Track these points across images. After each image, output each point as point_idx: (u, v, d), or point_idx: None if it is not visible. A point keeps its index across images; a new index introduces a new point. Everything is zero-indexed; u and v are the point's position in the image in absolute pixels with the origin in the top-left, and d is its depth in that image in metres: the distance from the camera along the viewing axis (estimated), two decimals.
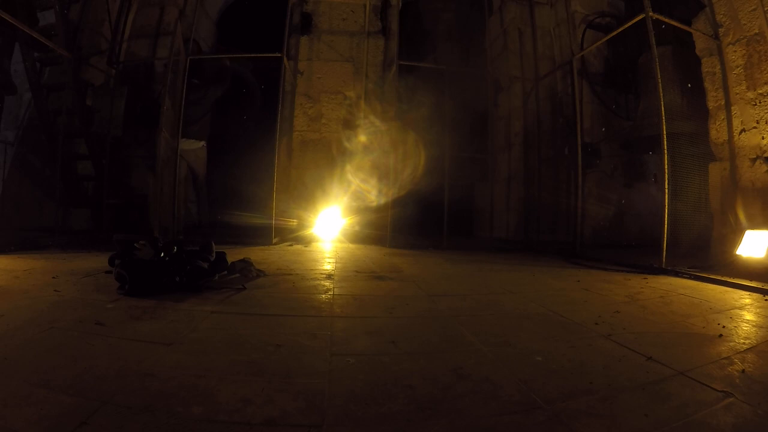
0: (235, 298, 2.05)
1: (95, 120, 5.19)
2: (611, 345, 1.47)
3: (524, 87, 6.18)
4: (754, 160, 3.47)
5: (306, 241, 5.18)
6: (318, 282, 2.54)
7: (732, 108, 3.64)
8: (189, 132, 5.67)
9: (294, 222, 5.56)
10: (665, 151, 3.57)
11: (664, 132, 3.58)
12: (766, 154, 3.39)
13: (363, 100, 5.98)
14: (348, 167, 5.72)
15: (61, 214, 4.90)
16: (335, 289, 2.33)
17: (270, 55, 5.34)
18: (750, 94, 3.49)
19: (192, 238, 4.17)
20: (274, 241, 4.83)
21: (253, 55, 6.27)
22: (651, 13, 3.63)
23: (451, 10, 8.15)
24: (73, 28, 5.03)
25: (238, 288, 2.24)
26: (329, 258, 3.78)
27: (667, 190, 3.54)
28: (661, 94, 3.61)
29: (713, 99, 3.85)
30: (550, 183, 5.83)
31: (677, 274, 3.06)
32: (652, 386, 1.12)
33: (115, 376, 1.10)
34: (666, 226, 3.46)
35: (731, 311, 1.99)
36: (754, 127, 3.47)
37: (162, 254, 2.31)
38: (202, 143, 6.07)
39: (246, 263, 2.71)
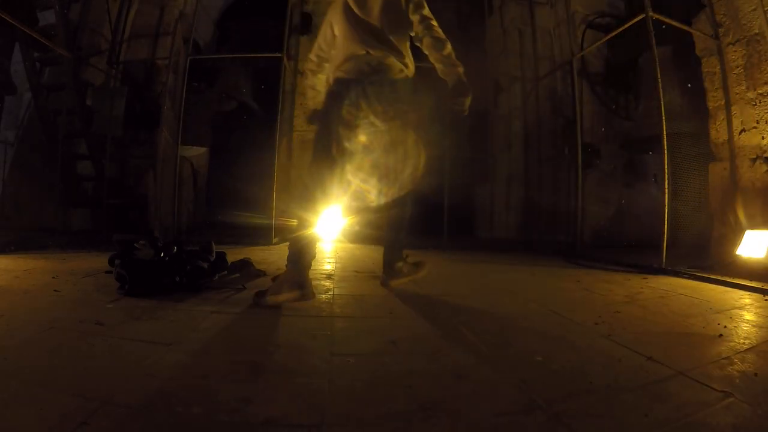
0: (235, 298, 2.05)
1: (95, 120, 5.19)
2: (611, 345, 1.47)
3: (524, 87, 6.18)
4: (754, 160, 3.47)
5: None
6: (318, 282, 2.54)
7: (732, 108, 3.64)
8: (192, 138, 5.68)
9: (294, 222, 5.55)
10: (665, 151, 3.57)
11: (664, 132, 3.58)
12: (766, 154, 3.39)
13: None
14: (348, 167, 5.71)
15: (61, 214, 4.90)
16: (335, 289, 2.33)
17: (270, 55, 5.34)
18: (750, 94, 3.49)
19: (192, 238, 4.17)
20: (274, 241, 4.83)
21: (253, 55, 6.28)
22: (651, 13, 3.64)
23: (450, 9, 8.14)
24: (73, 28, 5.03)
25: (238, 288, 2.24)
26: (329, 258, 3.78)
27: (667, 190, 3.54)
28: (661, 94, 3.61)
29: (713, 99, 3.85)
30: (550, 183, 5.83)
31: (677, 274, 3.06)
32: (652, 386, 1.12)
33: (115, 376, 1.10)
34: (666, 226, 3.46)
35: (731, 311, 1.99)
36: (754, 127, 3.47)
37: (162, 254, 2.31)
38: (205, 149, 6.05)
39: (246, 263, 2.71)
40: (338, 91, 2.09)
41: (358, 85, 2.07)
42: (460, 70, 2.17)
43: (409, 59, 2.20)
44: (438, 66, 2.21)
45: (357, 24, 2.11)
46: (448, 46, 2.16)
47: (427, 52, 2.20)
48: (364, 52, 2.08)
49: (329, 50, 2.24)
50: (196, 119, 5.73)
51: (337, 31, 2.17)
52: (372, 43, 2.08)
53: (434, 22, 2.19)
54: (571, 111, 5.28)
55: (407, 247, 2.49)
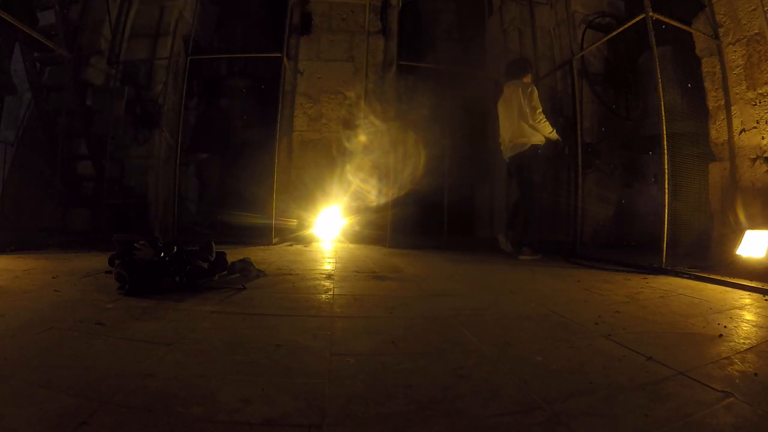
0: (235, 298, 2.05)
1: (95, 120, 5.19)
2: (611, 345, 1.47)
3: None
4: (754, 160, 3.47)
5: (306, 241, 5.18)
6: (318, 282, 2.54)
7: (732, 108, 3.64)
8: (202, 146, 5.70)
9: (294, 222, 5.56)
10: (665, 151, 3.57)
11: (664, 132, 3.58)
12: (766, 154, 3.39)
13: (363, 100, 5.97)
14: (348, 167, 5.72)
15: (61, 214, 4.90)
16: (335, 289, 2.33)
17: (270, 55, 5.34)
18: (750, 94, 3.49)
19: (191, 238, 4.17)
20: (274, 241, 4.83)
21: (253, 54, 6.28)
22: (651, 13, 3.63)
23: (450, 10, 8.14)
24: (73, 28, 5.04)
25: (238, 288, 2.24)
26: (329, 258, 3.78)
27: (667, 190, 3.53)
28: (661, 94, 3.61)
29: (713, 99, 3.85)
30: (550, 183, 5.83)
31: (677, 274, 3.06)
32: (652, 386, 1.12)
33: (115, 376, 1.10)
34: (666, 226, 3.46)
35: (731, 311, 1.99)
36: (754, 127, 3.47)
37: (162, 254, 2.31)
38: (206, 155, 6.02)
39: (246, 263, 2.70)
40: (510, 158, 4.39)
41: (514, 158, 4.33)
42: (552, 136, 4.26)
43: (534, 134, 4.20)
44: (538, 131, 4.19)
45: (508, 116, 4.32)
46: (542, 123, 4.14)
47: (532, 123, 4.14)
48: (511, 138, 4.29)
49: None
50: (205, 128, 5.74)
51: (500, 116, 4.44)
52: (516, 132, 4.23)
53: (539, 110, 4.13)
54: (571, 111, 5.28)
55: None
